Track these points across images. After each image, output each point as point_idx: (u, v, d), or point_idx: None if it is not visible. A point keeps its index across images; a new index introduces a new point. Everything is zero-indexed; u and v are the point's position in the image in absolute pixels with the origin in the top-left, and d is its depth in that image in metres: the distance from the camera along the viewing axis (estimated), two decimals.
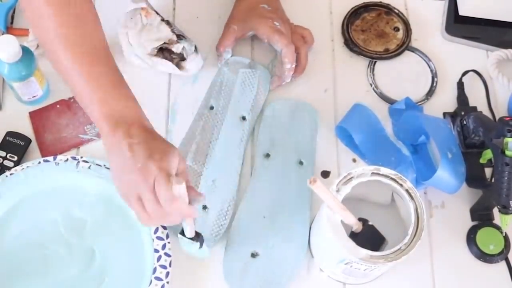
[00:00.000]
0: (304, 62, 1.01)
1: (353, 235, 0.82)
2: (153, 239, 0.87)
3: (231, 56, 1.03)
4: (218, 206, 0.92)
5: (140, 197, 0.74)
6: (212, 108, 0.99)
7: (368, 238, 0.82)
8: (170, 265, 0.86)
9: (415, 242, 0.79)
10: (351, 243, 0.78)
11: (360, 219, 0.82)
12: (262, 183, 0.94)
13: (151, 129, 0.77)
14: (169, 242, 0.87)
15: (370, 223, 0.83)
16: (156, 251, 0.87)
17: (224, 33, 1.02)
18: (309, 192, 0.93)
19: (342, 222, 0.80)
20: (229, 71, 1.02)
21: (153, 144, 0.74)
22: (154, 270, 0.86)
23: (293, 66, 0.99)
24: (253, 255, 0.89)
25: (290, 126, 0.99)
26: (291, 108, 1.00)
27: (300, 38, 1.02)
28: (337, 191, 0.81)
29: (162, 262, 0.86)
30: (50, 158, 0.92)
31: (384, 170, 0.82)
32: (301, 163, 0.96)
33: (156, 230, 0.88)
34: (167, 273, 0.86)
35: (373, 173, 0.82)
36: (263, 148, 0.97)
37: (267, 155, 0.96)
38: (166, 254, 0.87)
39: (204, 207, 0.91)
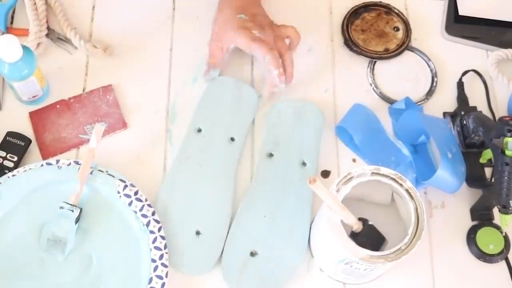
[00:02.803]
0: (290, 69, 0.98)
1: (353, 235, 0.82)
2: (151, 249, 0.87)
3: (218, 75, 1.01)
4: (212, 230, 0.91)
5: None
6: (200, 130, 0.97)
7: (368, 238, 0.82)
8: (166, 276, 0.86)
9: (415, 242, 0.79)
10: (351, 243, 0.78)
11: (360, 219, 0.82)
12: (264, 183, 0.94)
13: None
14: (166, 253, 0.87)
15: (370, 223, 0.83)
16: (153, 261, 0.86)
17: (210, 52, 1.00)
18: (310, 193, 0.93)
19: (342, 222, 0.80)
20: (216, 92, 1.00)
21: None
22: (150, 280, 0.85)
23: (281, 70, 0.96)
24: (252, 254, 0.89)
25: (294, 126, 0.99)
26: (296, 109, 1.00)
27: (283, 44, 0.98)
28: (337, 191, 0.81)
29: (158, 272, 0.86)
30: (53, 161, 0.92)
31: (384, 170, 0.82)
32: (304, 164, 0.96)
33: (155, 240, 0.87)
34: (163, 284, 0.85)
35: (373, 173, 0.82)
36: (266, 147, 0.97)
37: (270, 155, 0.96)
38: (163, 264, 0.86)
39: (198, 233, 0.90)
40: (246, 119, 0.99)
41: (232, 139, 0.97)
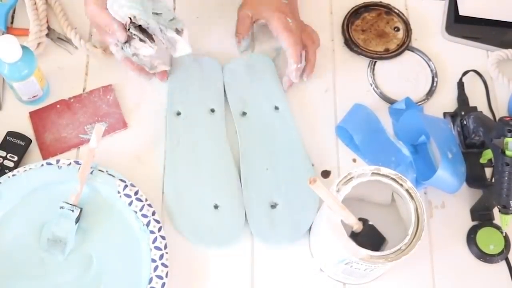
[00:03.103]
0: (313, 60, 1.01)
1: (353, 235, 0.82)
2: (151, 249, 0.87)
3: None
4: (227, 199, 0.92)
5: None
6: (179, 113, 0.98)
7: (368, 238, 0.82)
8: (166, 276, 0.86)
9: (415, 242, 0.79)
10: (351, 243, 0.78)
11: (360, 219, 0.82)
12: (250, 141, 0.96)
13: None
14: (167, 253, 0.87)
15: (370, 223, 0.83)
16: (154, 261, 0.86)
17: (240, 19, 1.02)
18: (297, 133, 0.97)
19: (342, 222, 0.80)
20: (180, 73, 1.00)
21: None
22: (150, 280, 0.85)
23: (299, 66, 0.98)
24: (273, 206, 0.92)
25: (252, 80, 1.01)
26: (246, 63, 1.02)
27: (309, 37, 1.01)
28: (337, 191, 0.81)
29: (158, 272, 0.86)
30: (53, 161, 0.92)
31: (384, 170, 0.82)
32: (276, 108, 0.99)
33: (155, 240, 0.87)
34: (163, 284, 0.85)
35: (373, 173, 0.82)
36: (236, 109, 0.98)
37: (244, 114, 0.98)
38: (163, 264, 0.86)
39: (216, 206, 0.92)
40: (217, 87, 1.00)
41: (212, 110, 0.98)
